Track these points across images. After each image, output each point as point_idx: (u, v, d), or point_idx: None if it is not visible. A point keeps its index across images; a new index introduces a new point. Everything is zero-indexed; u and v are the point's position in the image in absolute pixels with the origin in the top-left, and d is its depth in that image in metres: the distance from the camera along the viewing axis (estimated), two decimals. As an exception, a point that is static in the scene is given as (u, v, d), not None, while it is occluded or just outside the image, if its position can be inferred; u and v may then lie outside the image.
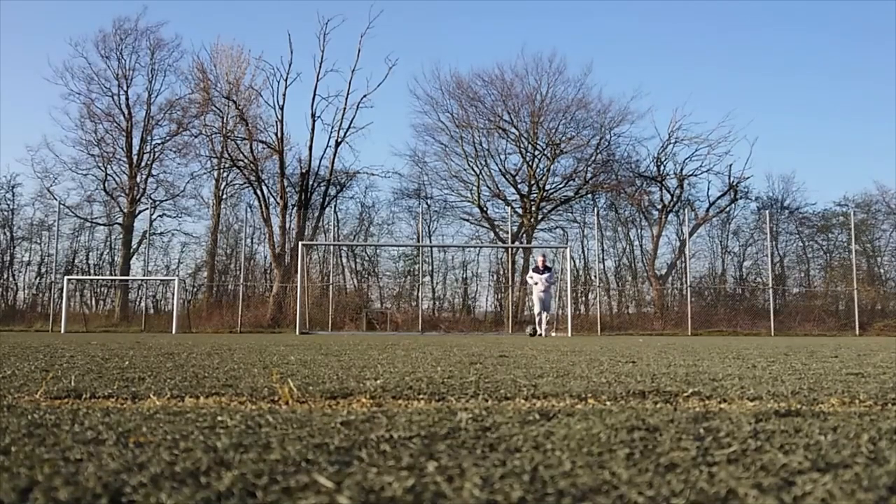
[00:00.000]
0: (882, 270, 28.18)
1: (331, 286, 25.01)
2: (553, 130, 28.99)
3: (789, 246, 29.14)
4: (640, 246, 28.75)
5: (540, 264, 15.89)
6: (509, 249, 25.84)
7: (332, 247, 26.74)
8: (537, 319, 15.67)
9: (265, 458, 1.05)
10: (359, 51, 28.40)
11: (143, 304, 25.94)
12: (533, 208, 27.97)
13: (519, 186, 28.69)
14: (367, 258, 28.18)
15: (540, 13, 41.27)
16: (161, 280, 25.91)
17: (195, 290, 27.63)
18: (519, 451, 1.13)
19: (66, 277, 21.90)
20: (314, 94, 28.21)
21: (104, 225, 28.39)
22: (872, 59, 41.46)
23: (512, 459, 1.06)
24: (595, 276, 26.63)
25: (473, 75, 29.96)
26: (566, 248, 22.14)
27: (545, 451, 1.13)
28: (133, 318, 25.03)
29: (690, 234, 26.47)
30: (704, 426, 1.39)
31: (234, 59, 28.21)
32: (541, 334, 15.17)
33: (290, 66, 28.83)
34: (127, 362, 3.41)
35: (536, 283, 15.73)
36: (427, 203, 28.78)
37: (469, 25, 43.03)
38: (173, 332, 19.04)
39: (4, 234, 27.69)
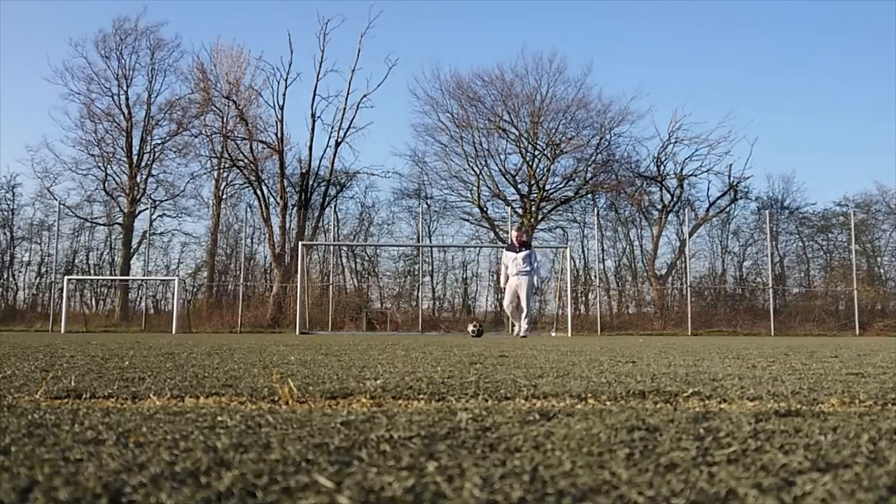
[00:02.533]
0: (882, 270, 28.22)
1: (331, 286, 25.01)
2: (553, 130, 29.03)
3: (789, 246, 29.21)
4: (640, 246, 28.81)
5: (514, 240, 11.63)
6: (509, 249, 25.82)
7: (332, 247, 26.73)
8: (508, 311, 11.71)
9: (265, 458, 1.05)
10: (359, 51, 28.48)
11: (143, 304, 25.98)
12: (533, 208, 27.98)
13: (519, 186, 28.72)
14: (367, 258, 28.22)
15: (540, 13, 41.32)
16: (161, 280, 25.91)
17: (195, 290, 27.65)
18: (519, 451, 1.13)
19: (66, 277, 21.90)
20: (314, 94, 28.28)
21: (104, 225, 28.42)
22: (872, 59, 41.51)
23: (512, 459, 1.06)
24: (595, 276, 26.65)
25: (473, 75, 30.05)
26: (566, 248, 22.14)
27: (545, 451, 1.13)
28: (133, 318, 25.04)
29: (690, 234, 26.49)
30: (704, 426, 1.39)
31: (234, 59, 28.27)
32: (518, 333, 11.52)
33: (290, 66, 28.96)
34: (127, 362, 3.41)
35: (508, 266, 11.46)
36: (427, 203, 28.85)
37: (469, 25, 43.10)
38: (173, 332, 19.04)
39: (4, 234, 27.73)
